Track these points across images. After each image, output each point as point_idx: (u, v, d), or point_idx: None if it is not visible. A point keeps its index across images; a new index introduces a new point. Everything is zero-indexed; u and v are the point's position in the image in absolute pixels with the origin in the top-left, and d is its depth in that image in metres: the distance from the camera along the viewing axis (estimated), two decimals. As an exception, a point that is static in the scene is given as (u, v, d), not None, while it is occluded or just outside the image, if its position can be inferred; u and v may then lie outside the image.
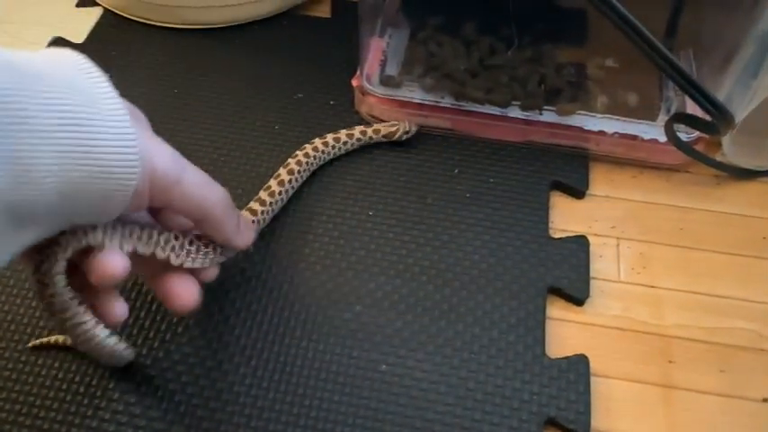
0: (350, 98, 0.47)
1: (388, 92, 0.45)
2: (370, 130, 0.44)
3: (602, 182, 0.45)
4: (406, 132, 0.45)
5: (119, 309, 0.30)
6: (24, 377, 0.35)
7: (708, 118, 0.37)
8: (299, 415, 0.34)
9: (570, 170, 0.44)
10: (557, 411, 0.35)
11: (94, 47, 0.41)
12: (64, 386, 0.35)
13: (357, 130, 0.44)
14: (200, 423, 0.34)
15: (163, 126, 0.44)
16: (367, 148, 0.45)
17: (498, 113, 0.44)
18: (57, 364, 0.36)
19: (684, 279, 0.41)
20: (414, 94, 0.45)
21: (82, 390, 0.35)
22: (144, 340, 0.37)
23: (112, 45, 0.52)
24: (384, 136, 0.44)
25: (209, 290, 0.38)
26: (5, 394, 0.35)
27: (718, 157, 0.45)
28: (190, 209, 0.30)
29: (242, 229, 0.34)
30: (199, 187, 0.30)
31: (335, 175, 0.44)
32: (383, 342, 0.37)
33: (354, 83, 0.46)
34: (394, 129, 0.44)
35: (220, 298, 0.38)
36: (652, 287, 0.40)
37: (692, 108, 0.42)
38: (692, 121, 0.39)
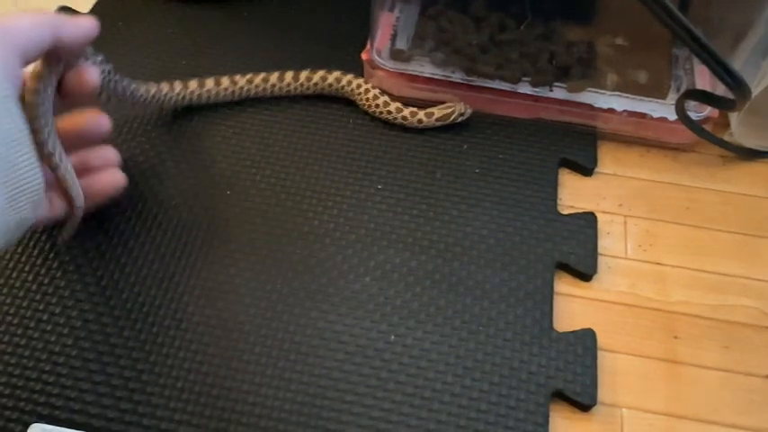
0: (360, 72, 0.47)
1: (398, 66, 0.45)
2: (421, 113, 0.44)
3: (609, 160, 0.45)
4: (461, 114, 0.44)
5: (103, 118, 0.36)
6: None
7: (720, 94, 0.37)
8: (309, 383, 0.35)
9: (579, 148, 0.45)
10: (564, 384, 0.35)
11: (100, 17, 0.40)
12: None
13: (408, 111, 0.44)
14: (217, 413, 0.34)
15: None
16: (375, 122, 0.45)
17: (508, 89, 0.44)
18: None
19: (690, 257, 0.41)
20: (424, 68, 0.45)
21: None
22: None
23: (118, 16, 0.52)
24: (438, 119, 0.44)
25: (216, 261, 0.38)
26: None
27: (726, 138, 0.45)
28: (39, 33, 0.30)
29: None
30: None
31: (344, 149, 0.44)
32: (392, 313, 0.37)
33: (364, 56, 0.46)
34: (449, 111, 0.44)
35: (227, 269, 0.38)
36: (658, 264, 0.41)
37: (701, 87, 0.42)
38: (705, 97, 0.40)
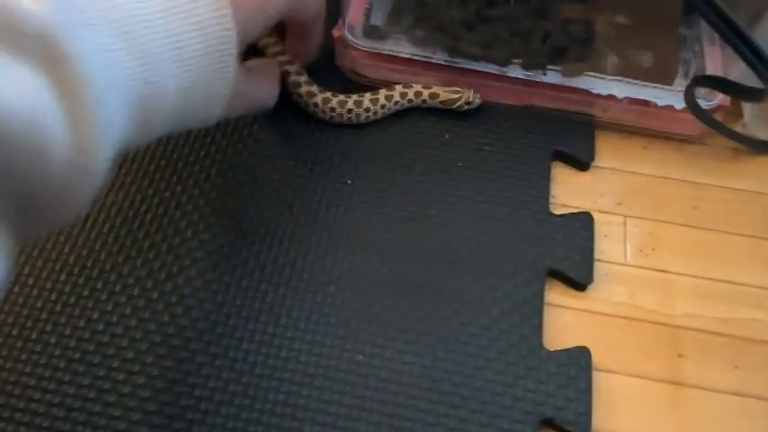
0: (331, 51, 0.42)
1: (373, 45, 0.40)
2: (426, 93, 0.39)
3: (608, 153, 0.40)
4: (468, 103, 0.39)
5: None
6: None
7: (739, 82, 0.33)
8: (263, 411, 0.30)
9: (574, 139, 0.40)
10: (554, 411, 0.31)
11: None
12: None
13: (412, 91, 0.39)
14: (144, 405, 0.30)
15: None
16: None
17: (496, 72, 0.40)
18: None
19: (697, 263, 0.37)
20: (402, 47, 0.40)
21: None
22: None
23: None
24: (442, 102, 0.39)
25: (158, 283, 0.33)
26: None
27: (738, 129, 0.40)
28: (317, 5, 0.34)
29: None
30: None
31: (311, 137, 0.39)
32: (359, 329, 0.32)
33: (335, 34, 0.41)
34: (456, 96, 0.39)
35: (184, 277, 0.34)
36: (661, 271, 0.36)
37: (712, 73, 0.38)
38: (722, 85, 0.35)
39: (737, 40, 0.29)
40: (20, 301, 0.32)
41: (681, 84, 0.39)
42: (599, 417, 0.31)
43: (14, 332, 0.31)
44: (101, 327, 0.32)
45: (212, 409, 0.30)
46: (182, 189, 0.37)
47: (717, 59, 0.40)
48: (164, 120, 0.26)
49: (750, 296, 0.36)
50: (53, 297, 0.33)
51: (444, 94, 0.39)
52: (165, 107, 0.25)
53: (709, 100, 0.38)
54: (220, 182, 0.37)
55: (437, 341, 0.32)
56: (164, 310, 0.32)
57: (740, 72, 0.37)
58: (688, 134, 0.40)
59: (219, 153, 0.38)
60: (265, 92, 0.35)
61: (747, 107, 0.40)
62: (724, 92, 0.36)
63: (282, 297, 0.33)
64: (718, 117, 0.39)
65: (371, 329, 0.32)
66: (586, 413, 0.31)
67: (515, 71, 0.40)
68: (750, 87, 0.33)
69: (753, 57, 0.30)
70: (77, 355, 0.31)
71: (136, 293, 0.33)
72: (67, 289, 0.33)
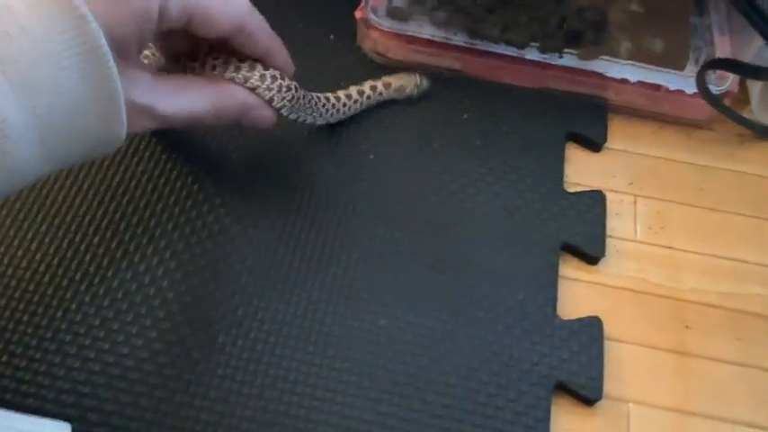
0: (352, 32, 0.43)
1: (395, 25, 0.41)
2: (380, 85, 0.40)
3: (620, 135, 0.42)
4: (417, 87, 0.40)
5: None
6: None
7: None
8: (289, 369, 0.31)
9: (587, 121, 0.41)
10: (568, 376, 0.32)
11: None
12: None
13: (368, 86, 0.39)
14: (181, 374, 0.31)
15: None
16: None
17: (514, 55, 0.41)
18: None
19: (703, 241, 0.38)
20: (423, 29, 0.41)
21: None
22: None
23: None
24: (396, 90, 0.40)
25: (187, 249, 0.35)
26: None
27: (745, 114, 0.42)
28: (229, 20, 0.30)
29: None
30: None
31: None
32: (383, 295, 0.34)
33: (358, 14, 0.42)
34: (405, 81, 0.40)
35: (208, 255, 0.35)
36: (669, 248, 0.38)
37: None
38: (733, 66, 0.36)
39: (749, 8, 0.30)
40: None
41: (692, 69, 0.40)
42: (609, 383, 0.33)
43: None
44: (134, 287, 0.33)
45: (241, 365, 0.31)
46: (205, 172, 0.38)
47: (726, 47, 0.42)
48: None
49: (753, 273, 0.37)
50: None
51: (396, 80, 0.40)
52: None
53: (719, 85, 0.40)
54: (244, 150, 0.38)
55: (458, 308, 0.34)
56: (194, 275, 0.34)
57: (749, 60, 0.39)
58: (697, 119, 0.42)
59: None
60: (197, 102, 0.30)
61: (754, 94, 0.41)
62: (736, 72, 0.37)
63: (306, 263, 0.34)
64: (727, 103, 0.41)
65: (395, 295, 0.34)
66: (598, 378, 0.32)
67: (532, 54, 0.41)
68: (760, 66, 0.35)
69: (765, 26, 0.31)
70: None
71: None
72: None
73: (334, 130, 0.39)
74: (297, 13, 0.45)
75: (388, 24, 0.41)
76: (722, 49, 0.41)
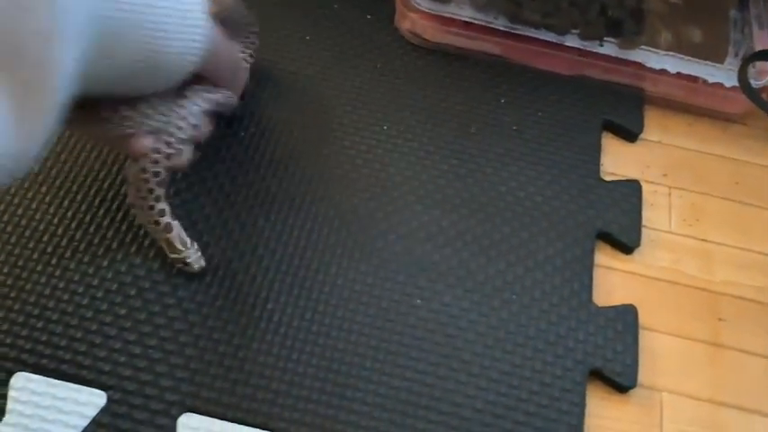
0: (389, 12, 0.43)
1: (435, 7, 0.41)
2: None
3: (655, 126, 0.42)
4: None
5: None
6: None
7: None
8: (325, 346, 0.31)
9: (624, 111, 0.41)
10: (603, 362, 0.32)
11: None
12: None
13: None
14: (216, 347, 0.31)
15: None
16: (409, 66, 0.41)
17: (554, 41, 0.41)
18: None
19: (737, 235, 0.38)
20: (463, 11, 0.41)
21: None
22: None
23: None
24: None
25: (239, 223, 0.34)
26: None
27: (782, 110, 0.42)
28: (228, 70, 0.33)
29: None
30: (230, 51, 0.33)
31: (374, 92, 0.40)
32: (419, 275, 0.34)
33: (397, -6, 0.42)
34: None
35: (247, 228, 0.35)
36: (703, 240, 0.38)
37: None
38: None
39: None
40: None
41: (731, 63, 0.40)
42: (643, 371, 0.33)
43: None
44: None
45: (277, 341, 0.31)
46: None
47: (764, 41, 0.41)
48: (132, 48, 0.26)
49: (786, 268, 0.37)
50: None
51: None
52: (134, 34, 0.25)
53: (758, 80, 0.40)
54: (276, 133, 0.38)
55: (493, 291, 0.34)
56: (234, 248, 0.34)
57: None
58: (732, 113, 0.42)
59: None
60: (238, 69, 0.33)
61: (792, 90, 0.41)
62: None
63: (344, 239, 0.34)
64: (765, 97, 0.40)
65: (431, 276, 0.34)
66: (633, 365, 0.32)
67: (573, 41, 0.41)
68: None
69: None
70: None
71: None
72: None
73: (367, 106, 0.39)
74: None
75: (427, 5, 0.41)
76: (761, 43, 0.41)
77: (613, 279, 0.36)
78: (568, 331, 0.33)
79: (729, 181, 0.40)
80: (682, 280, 0.36)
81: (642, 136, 0.41)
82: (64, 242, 0.33)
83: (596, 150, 0.39)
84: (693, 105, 0.42)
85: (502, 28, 0.41)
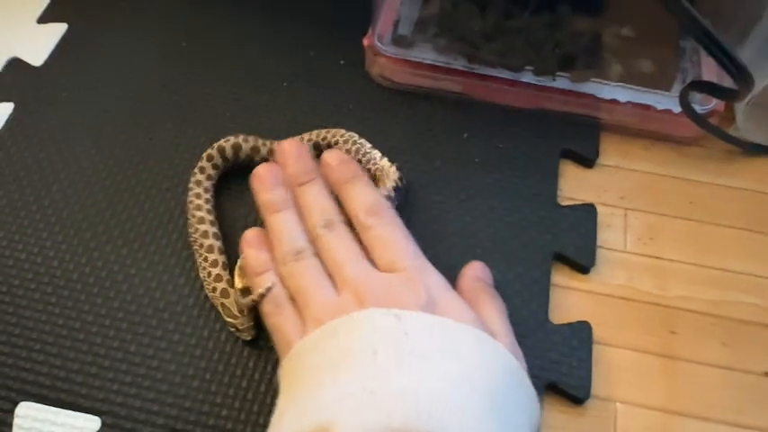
0: (361, 58, 0.46)
1: (400, 52, 0.44)
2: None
3: (612, 152, 0.44)
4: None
5: None
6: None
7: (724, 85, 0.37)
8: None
9: (581, 139, 0.44)
10: (558, 377, 0.35)
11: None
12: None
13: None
14: (203, 375, 0.34)
15: (170, 77, 0.43)
16: (377, 107, 0.44)
17: (510, 78, 0.44)
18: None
19: (691, 252, 0.40)
20: (426, 54, 0.44)
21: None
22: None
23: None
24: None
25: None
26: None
27: (731, 132, 0.44)
28: None
29: None
30: None
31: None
32: (386, 301, 0.36)
33: (366, 42, 0.45)
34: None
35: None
36: (658, 258, 0.40)
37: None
38: (707, 88, 0.39)
39: (711, 44, 0.33)
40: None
41: (678, 90, 0.43)
42: (598, 384, 0.35)
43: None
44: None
45: (260, 366, 0.34)
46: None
47: (712, 69, 0.44)
48: None
49: (740, 282, 0.39)
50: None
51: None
52: None
53: (705, 105, 0.42)
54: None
55: (455, 313, 0.36)
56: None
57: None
58: (686, 136, 0.44)
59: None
60: None
61: (739, 112, 0.43)
62: (711, 94, 0.40)
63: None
64: (714, 121, 0.43)
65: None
66: (587, 379, 0.35)
67: (528, 77, 0.44)
68: (728, 88, 0.37)
69: (725, 59, 0.34)
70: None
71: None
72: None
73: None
74: (309, 40, 0.48)
75: (393, 51, 0.44)
76: (708, 71, 0.44)
77: (570, 298, 0.38)
78: (526, 350, 0.35)
79: (684, 201, 0.43)
80: (636, 296, 0.39)
81: (600, 161, 0.44)
82: (62, 282, 0.36)
83: (555, 177, 0.42)
84: (648, 131, 0.44)
85: (462, 68, 0.44)
